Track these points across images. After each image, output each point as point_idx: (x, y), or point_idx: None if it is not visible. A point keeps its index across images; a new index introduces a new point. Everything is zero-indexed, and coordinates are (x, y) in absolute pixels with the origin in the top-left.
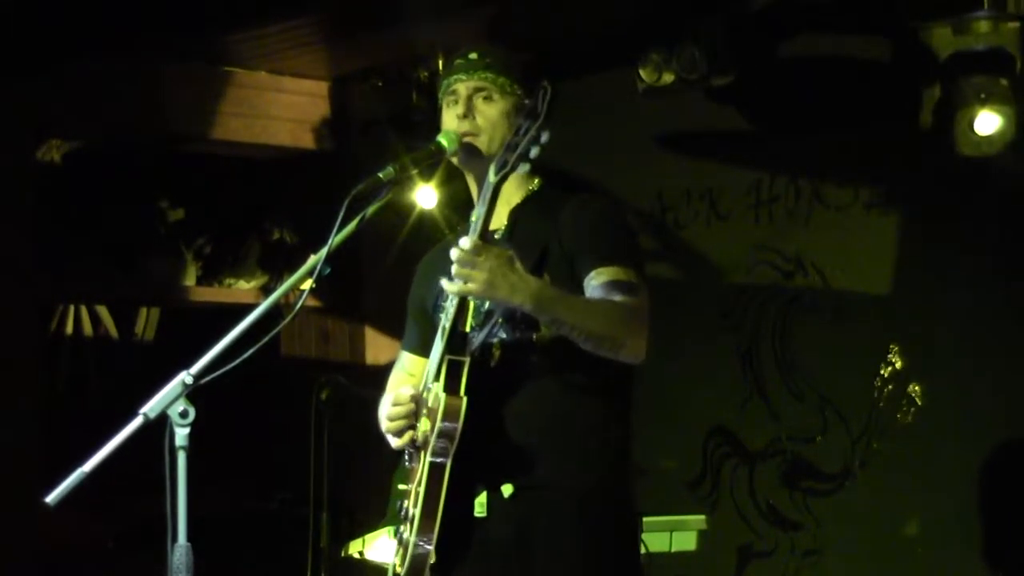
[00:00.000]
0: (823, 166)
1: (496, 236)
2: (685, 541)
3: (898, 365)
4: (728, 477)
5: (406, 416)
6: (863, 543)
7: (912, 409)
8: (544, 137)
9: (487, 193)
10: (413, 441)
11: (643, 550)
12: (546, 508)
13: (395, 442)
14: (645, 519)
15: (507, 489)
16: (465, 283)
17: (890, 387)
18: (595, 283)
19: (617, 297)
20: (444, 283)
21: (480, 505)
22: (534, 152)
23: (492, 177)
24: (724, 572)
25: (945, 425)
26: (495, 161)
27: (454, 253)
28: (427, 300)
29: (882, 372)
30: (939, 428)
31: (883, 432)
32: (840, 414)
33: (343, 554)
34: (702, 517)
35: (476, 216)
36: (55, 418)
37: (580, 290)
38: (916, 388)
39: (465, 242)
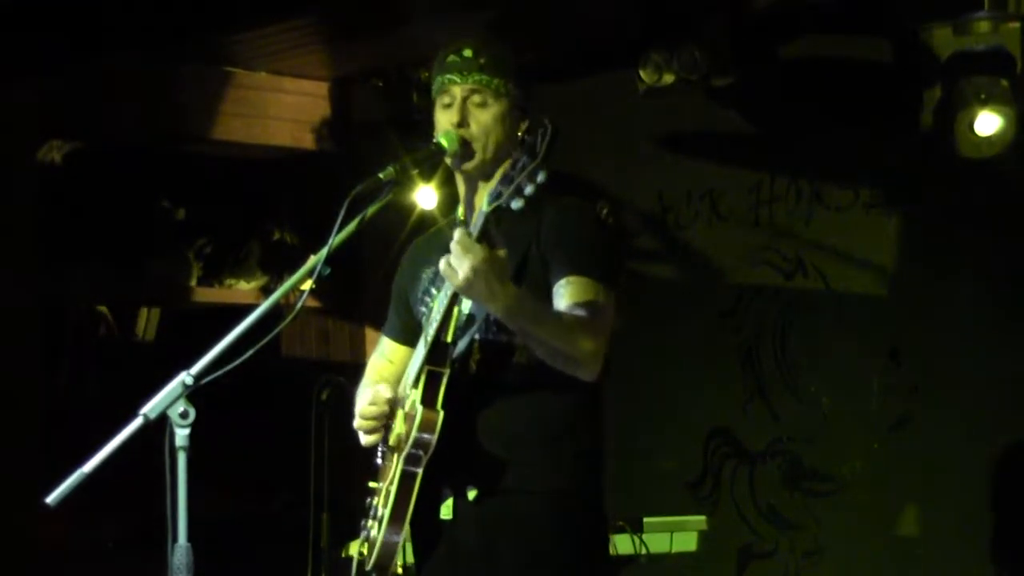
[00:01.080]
0: (824, 167)
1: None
2: (686, 542)
3: (898, 365)
4: (728, 478)
5: (379, 417)
6: (863, 543)
7: (912, 410)
8: (541, 177)
9: (480, 220)
10: (386, 441)
11: (643, 550)
12: (512, 512)
13: (364, 439)
14: (646, 519)
15: (471, 493)
16: (449, 268)
17: (890, 387)
18: (562, 294)
19: (581, 312)
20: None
21: (447, 508)
22: (529, 190)
23: (485, 207)
24: (724, 572)
25: (945, 425)
26: (490, 191)
27: (456, 236)
28: (409, 291)
29: (882, 372)
30: (939, 428)
31: (883, 433)
32: (840, 414)
33: (343, 554)
34: (702, 518)
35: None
36: (55, 418)
37: (551, 294)
38: (916, 388)
39: (463, 234)
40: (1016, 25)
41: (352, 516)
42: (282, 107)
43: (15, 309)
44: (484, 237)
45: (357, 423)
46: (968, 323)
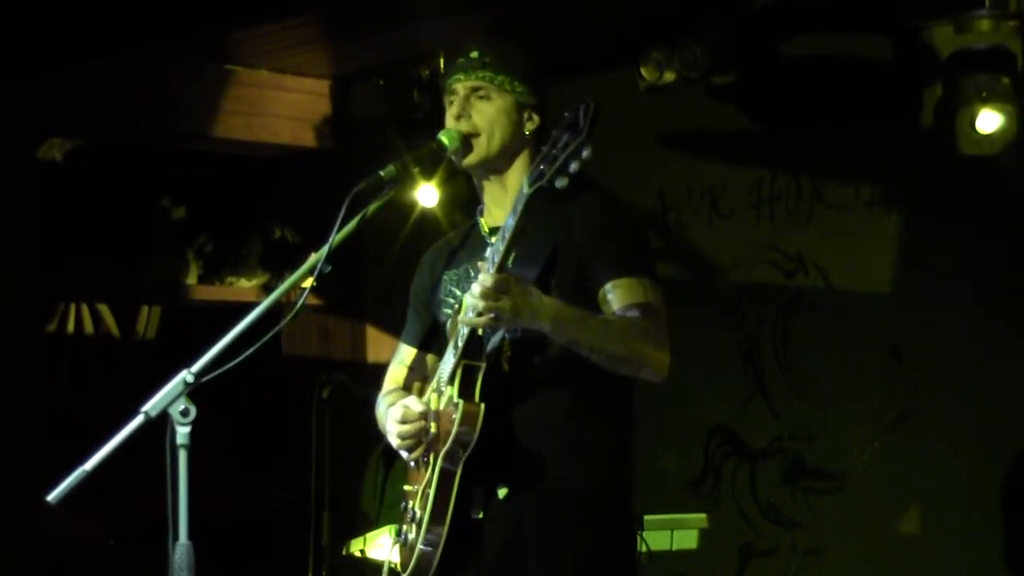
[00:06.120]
0: (824, 165)
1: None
2: (686, 539)
3: (899, 364)
4: (729, 476)
5: (417, 433)
6: (864, 542)
7: (913, 408)
8: (586, 153)
9: (519, 204)
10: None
11: (644, 548)
12: (541, 509)
13: (407, 456)
14: (646, 517)
15: (502, 491)
16: (494, 319)
17: (891, 386)
18: (611, 298)
19: (635, 314)
20: (461, 320)
21: (478, 508)
22: (574, 167)
23: (526, 188)
24: (725, 571)
25: (946, 425)
26: (529, 174)
27: (476, 288)
28: (429, 295)
29: (882, 370)
30: (940, 428)
31: (884, 431)
32: (841, 413)
33: (344, 552)
34: (703, 516)
35: (506, 227)
36: (55, 418)
37: (588, 292)
38: (916, 387)
39: (486, 278)
40: (1017, 23)
41: (353, 514)
42: (283, 105)
43: (15, 307)
44: (503, 265)
45: (397, 443)
46: (968, 322)
